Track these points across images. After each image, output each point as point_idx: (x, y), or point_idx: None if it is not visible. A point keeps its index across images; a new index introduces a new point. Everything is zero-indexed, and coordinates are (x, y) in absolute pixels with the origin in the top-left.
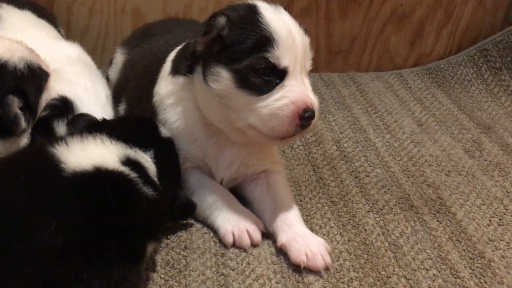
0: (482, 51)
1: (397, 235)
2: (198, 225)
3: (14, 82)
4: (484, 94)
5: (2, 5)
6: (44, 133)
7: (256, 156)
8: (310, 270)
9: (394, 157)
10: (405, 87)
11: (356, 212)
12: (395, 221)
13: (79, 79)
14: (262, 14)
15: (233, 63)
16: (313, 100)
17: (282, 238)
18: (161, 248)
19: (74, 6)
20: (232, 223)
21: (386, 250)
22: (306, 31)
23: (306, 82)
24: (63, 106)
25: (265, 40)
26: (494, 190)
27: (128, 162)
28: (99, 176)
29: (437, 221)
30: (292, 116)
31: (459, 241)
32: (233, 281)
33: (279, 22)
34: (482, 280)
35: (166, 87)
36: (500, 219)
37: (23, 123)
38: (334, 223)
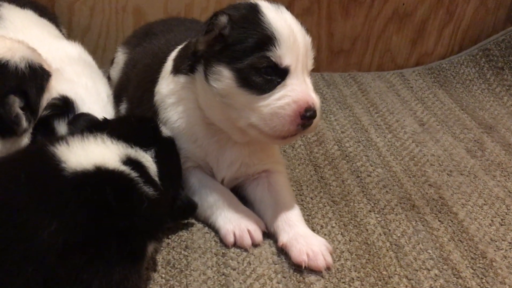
0: (484, 51)
1: (399, 235)
2: (199, 225)
3: (15, 82)
4: (486, 93)
5: (3, 4)
6: (45, 133)
7: (257, 155)
8: (311, 270)
9: (395, 157)
10: (407, 87)
11: (358, 212)
12: (397, 221)
13: (80, 79)
14: (263, 13)
15: (235, 62)
16: (314, 99)
17: (283, 238)
18: (162, 248)
19: (76, 5)
20: (233, 223)
21: (387, 250)
22: (308, 30)
23: (308, 81)
24: (64, 105)
25: (267, 39)
26: (496, 190)
27: (129, 161)
28: (100, 176)
29: (439, 221)
30: (294, 115)
31: (461, 241)
32: (234, 280)
33: (281, 21)
34: (484, 281)
35: (167, 86)
36: (502, 219)
37: (24, 123)
38: (336, 223)
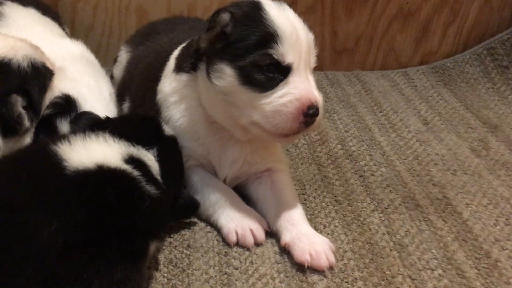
0: (488, 50)
1: (402, 234)
2: (201, 224)
3: (18, 81)
4: (491, 92)
5: (6, 2)
6: (47, 131)
7: (260, 154)
8: (314, 270)
9: (399, 156)
10: (411, 86)
11: (361, 211)
12: (400, 220)
13: (82, 77)
14: (266, 10)
15: (237, 59)
16: (317, 97)
17: (286, 237)
18: (164, 247)
19: (79, 4)
20: (236, 221)
21: (391, 250)
22: (310, 28)
23: (311, 79)
24: (66, 104)
25: (269, 37)
26: (501, 189)
27: (131, 160)
28: (102, 175)
29: (443, 220)
30: (296, 113)
31: (465, 241)
32: (236, 280)
33: (283, 18)
34: (488, 281)
35: (170, 84)
36: (506, 219)
37: (27, 123)
38: (339, 222)
